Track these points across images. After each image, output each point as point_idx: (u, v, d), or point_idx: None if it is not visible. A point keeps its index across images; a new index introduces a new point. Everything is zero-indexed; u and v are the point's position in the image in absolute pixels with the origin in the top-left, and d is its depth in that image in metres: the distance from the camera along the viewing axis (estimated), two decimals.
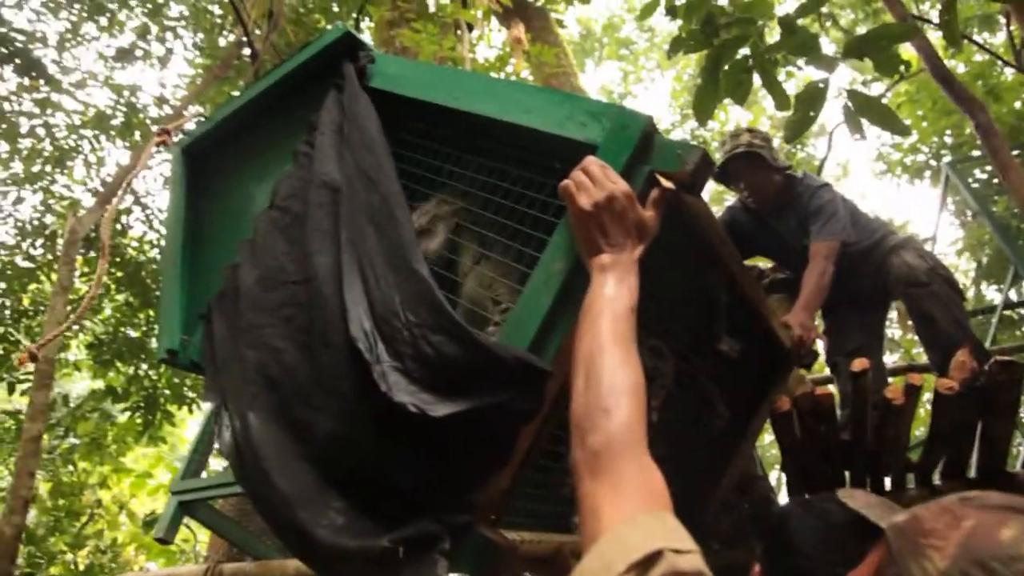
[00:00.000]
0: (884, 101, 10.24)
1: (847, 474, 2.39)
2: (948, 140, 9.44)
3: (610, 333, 1.05)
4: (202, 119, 2.32)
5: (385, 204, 1.47)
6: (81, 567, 8.17)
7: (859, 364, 2.07)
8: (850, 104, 2.31)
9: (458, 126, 1.65)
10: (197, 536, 7.72)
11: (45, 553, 7.96)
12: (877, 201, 28.88)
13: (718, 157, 3.09)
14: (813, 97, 2.39)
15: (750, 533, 2.30)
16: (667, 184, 1.27)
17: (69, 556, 8.34)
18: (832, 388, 3.20)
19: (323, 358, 1.35)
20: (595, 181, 1.21)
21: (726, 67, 2.59)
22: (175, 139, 2.30)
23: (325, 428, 1.32)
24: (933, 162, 9.52)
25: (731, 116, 12.25)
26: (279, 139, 2.01)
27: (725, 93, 2.60)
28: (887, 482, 2.39)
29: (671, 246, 1.35)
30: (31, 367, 6.17)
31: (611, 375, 0.99)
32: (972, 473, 2.33)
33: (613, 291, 1.11)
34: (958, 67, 8.55)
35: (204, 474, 3.43)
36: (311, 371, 1.38)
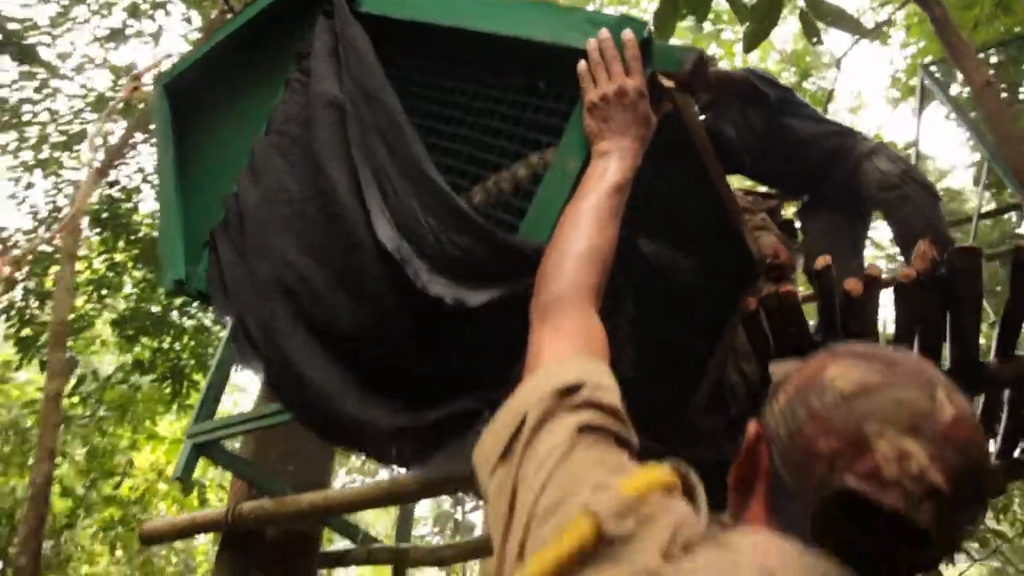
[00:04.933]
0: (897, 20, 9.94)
1: None
2: None
3: (591, 207, 1.15)
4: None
5: (393, 122, 1.50)
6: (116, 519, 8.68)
7: (821, 261, 2.10)
8: (806, 7, 2.31)
9: (455, 47, 1.65)
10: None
11: (81, 505, 8.48)
12: (895, 130, 28.21)
13: None
14: (769, 7, 2.39)
15: (730, 435, 2.38)
16: (668, 83, 1.36)
17: (106, 513, 8.84)
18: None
19: (348, 262, 1.40)
20: (611, 74, 1.30)
21: None
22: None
23: (348, 324, 1.37)
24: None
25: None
26: (265, 70, 2.02)
27: (686, 11, 2.59)
28: None
29: (666, 153, 1.41)
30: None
31: (577, 242, 1.11)
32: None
33: (604, 172, 1.21)
34: None
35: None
36: (328, 277, 1.43)
